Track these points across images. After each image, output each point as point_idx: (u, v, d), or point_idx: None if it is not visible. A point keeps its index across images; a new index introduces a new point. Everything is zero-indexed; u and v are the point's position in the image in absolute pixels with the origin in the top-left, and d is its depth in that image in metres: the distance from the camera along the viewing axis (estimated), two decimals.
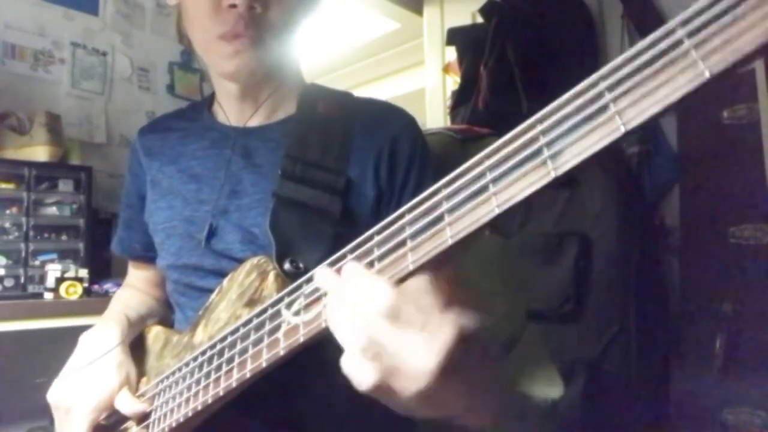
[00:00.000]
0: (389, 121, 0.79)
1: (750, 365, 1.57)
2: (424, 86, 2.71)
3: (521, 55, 1.95)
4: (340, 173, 0.73)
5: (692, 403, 1.66)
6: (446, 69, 2.52)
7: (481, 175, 0.40)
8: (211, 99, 0.89)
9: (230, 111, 0.83)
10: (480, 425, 0.48)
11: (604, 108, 0.34)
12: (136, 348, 0.80)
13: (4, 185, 1.46)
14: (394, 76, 3.64)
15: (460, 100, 2.16)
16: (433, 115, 2.58)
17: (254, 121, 0.81)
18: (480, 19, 2.15)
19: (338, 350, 0.44)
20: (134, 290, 0.93)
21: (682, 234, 1.83)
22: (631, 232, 1.78)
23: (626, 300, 1.78)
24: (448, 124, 2.28)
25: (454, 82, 2.42)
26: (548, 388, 0.99)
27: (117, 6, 1.99)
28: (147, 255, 0.89)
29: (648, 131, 1.95)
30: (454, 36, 2.25)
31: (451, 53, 2.36)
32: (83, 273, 1.44)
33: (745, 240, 1.65)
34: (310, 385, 0.55)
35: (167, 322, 0.88)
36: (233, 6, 0.68)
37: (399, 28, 3.12)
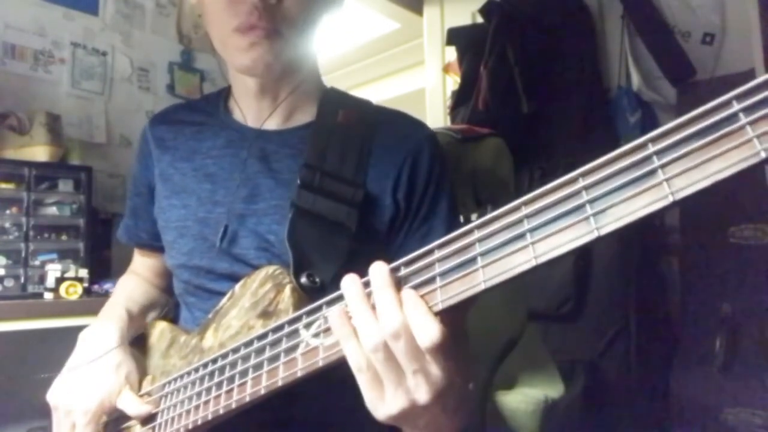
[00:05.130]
0: (410, 136, 0.78)
1: (750, 365, 1.57)
2: (424, 86, 2.71)
3: (521, 55, 1.96)
4: (359, 186, 0.72)
5: (692, 403, 1.66)
6: (446, 69, 2.52)
7: (518, 222, 0.39)
8: (226, 94, 0.87)
9: (248, 110, 0.81)
10: None
11: (652, 173, 0.34)
12: (140, 342, 0.79)
13: (4, 185, 1.46)
14: (394, 76, 3.64)
15: (460, 100, 2.16)
16: (433, 115, 2.58)
17: (272, 124, 0.80)
18: (480, 19, 2.15)
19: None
20: (138, 279, 0.92)
21: (682, 234, 1.83)
22: (630, 232, 1.78)
23: (626, 300, 1.78)
24: (448, 124, 2.28)
25: (454, 82, 2.42)
26: (548, 388, 0.99)
27: (117, 6, 1.98)
28: (153, 244, 0.88)
29: (648, 131, 1.95)
30: (454, 36, 2.25)
31: (451, 53, 2.36)
32: (83, 273, 1.44)
33: (745, 240, 1.65)
34: (309, 389, 0.55)
35: (171, 311, 0.87)
36: None
37: (399, 28, 3.12)
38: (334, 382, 0.50)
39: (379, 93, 3.66)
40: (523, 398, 0.94)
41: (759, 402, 1.52)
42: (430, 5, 2.66)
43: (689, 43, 1.90)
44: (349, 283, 0.47)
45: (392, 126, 0.79)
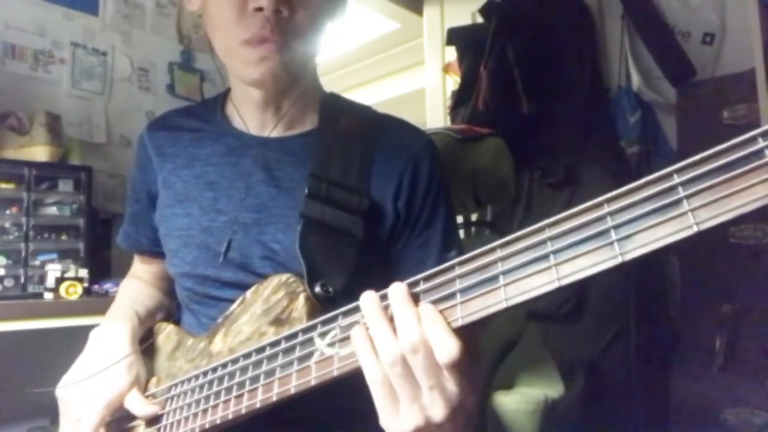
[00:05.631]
0: (410, 145, 0.78)
1: (750, 365, 1.56)
2: (424, 86, 2.71)
3: (521, 55, 1.95)
4: (363, 195, 0.72)
5: (692, 403, 1.66)
6: (446, 69, 2.52)
7: (542, 243, 0.40)
8: (223, 99, 0.86)
9: (249, 118, 0.80)
10: None
11: (677, 203, 0.34)
12: (145, 344, 0.79)
13: (4, 185, 1.45)
14: (394, 76, 3.64)
15: (460, 100, 2.16)
16: (433, 115, 2.58)
17: (274, 131, 0.79)
18: (480, 19, 2.15)
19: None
20: (141, 282, 0.92)
21: None
22: None
23: (626, 300, 1.78)
24: (448, 124, 2.28)
25: (454, 82, 2.42)
26: (548, 388, 0.99)
27: (117, 6, 1.98)
28: (154, 250, 0.88)
29: (648, 131, 1.95)
30: (454, 36, 2.25)
31: (451, 53, 2.36)
32: (83, 273, 1.44)
33: (745, 240, 1.65)
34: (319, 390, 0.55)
35: (173, 313, 0.87)
36: (259, 9, 0.66)
37: (399, 28, 3.12)
38: (345, 384, 0.50)
39: (379, 93, 3.66)
40: (522, 398, 0.94)
41: (759, 402, 1.52)
42: (430, 5, 2.66)
43: (689, 43, 1.90)
44: (367, 298, 0.47)
45: (392, 134, 0.80)
